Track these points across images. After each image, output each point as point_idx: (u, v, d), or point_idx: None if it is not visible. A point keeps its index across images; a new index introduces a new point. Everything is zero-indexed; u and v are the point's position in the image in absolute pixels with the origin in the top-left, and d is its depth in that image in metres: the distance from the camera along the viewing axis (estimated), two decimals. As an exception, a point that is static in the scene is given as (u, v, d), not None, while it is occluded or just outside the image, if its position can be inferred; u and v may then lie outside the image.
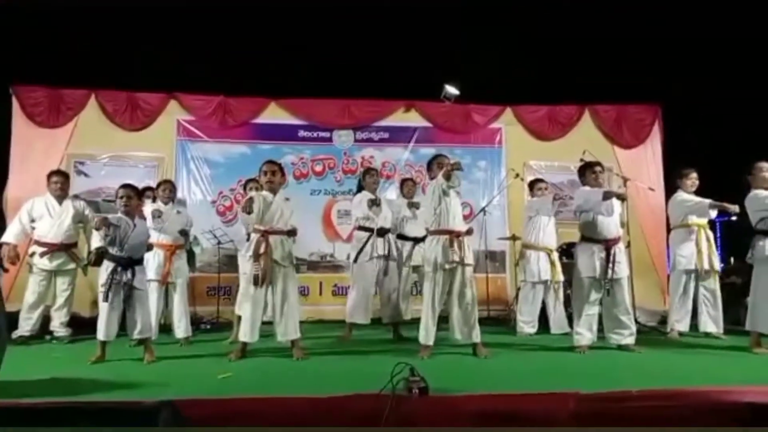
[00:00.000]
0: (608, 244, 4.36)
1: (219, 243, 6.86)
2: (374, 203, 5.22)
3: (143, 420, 1.75)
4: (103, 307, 4.04)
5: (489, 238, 7.04)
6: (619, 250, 4.40)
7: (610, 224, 4.41)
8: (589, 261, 4.37)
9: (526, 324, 5.52)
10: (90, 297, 6.72)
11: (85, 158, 7.07)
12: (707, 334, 5.16)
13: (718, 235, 9.03)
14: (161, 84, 7.26)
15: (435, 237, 4.25)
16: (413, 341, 4.70)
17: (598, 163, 4.65)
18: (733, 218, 5.10)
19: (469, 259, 4.22)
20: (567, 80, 7.60)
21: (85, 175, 7.06)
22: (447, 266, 4.15)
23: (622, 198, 4.33)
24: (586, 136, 7.43)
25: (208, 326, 6.29)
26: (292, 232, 4.26)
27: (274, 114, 7.47)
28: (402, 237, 5.55)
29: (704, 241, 5.18)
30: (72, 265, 5.54)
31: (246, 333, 4.15)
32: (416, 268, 5.51)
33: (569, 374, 3.63)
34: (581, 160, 6.24)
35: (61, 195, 5.57)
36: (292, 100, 7.46)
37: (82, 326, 6.12)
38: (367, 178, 5.41)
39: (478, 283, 6.96)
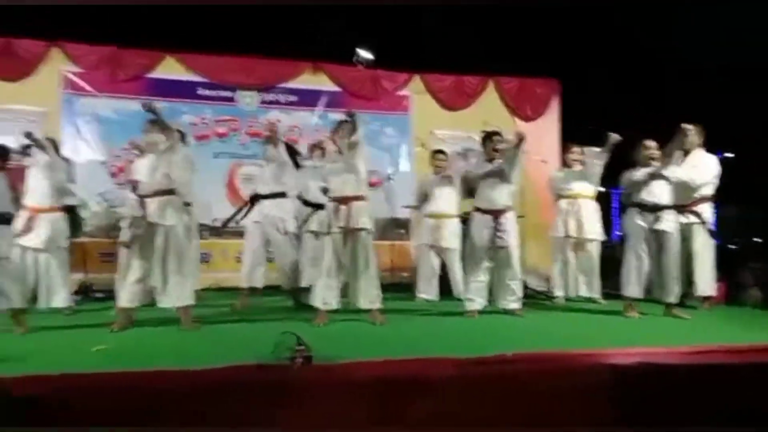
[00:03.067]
0: (497, 215, 4.51)
1: (112, 206, 6.46)
2: None
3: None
4: None
5: (395, 206, 7.10)
6: (507, 220, 4.56)
7: (500, 196, 4.56)
8: (479, 230, 4.52)
9: (423, 290, 5.66)
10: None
11: (-43, 109, 6.35)
12: (588, 299, 5.54)
13: (615, 205, 9.64)
14: (45, 31, 6.59)
15: (330, 202, 4.27)
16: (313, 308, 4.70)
17: (498, 133, 4.76)
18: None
19: (362, 224, 4.20)
20: (474, 50, 7.68)
21: (-41, 128, 6.34)
22: (334, 231, 4.16)
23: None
24: (489, 108, 7.62)
25: (100, 294, 5.92)
26: (165, 192, 3.97)
27: (171, 69, 7.02)
28: (305, 203, 5.47)
29: (583, 211, 5.50)
30: None
31: (125, 299, 3.91)
32: (318, 235, 5.47)
33: (456, 339, 3.75)
34: (483, 131, 6.43)
35: None
36: (190, 55, 7.03)
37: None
38: None
39: (384, 250, 7.11)
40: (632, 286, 4.59)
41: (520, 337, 3.82)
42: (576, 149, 5.63)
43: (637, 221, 4.59)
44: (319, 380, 2.59)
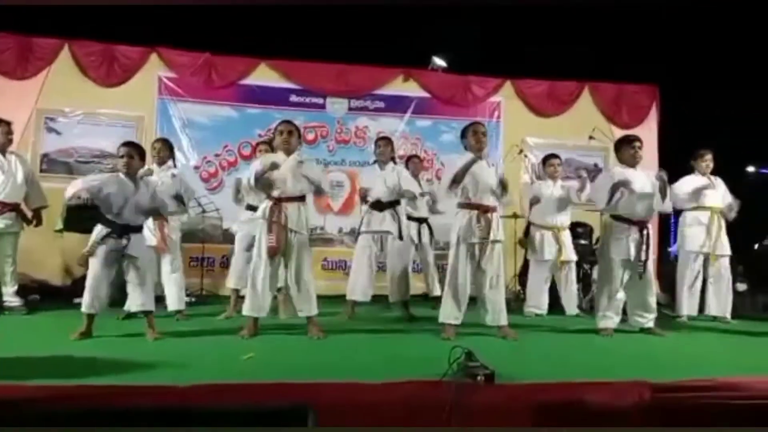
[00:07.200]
0: (642, 225, 4.18)
1: (204, 212, 6.44)
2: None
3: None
4: (91, 276, 3.64)
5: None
6: (650, 231, 4.25)
7: (649, 205, 4.21)
8: (622, 242, 4.17)
9: (534, 305, 5.35)
10: (60, 263, 6.23)
11: (56, 114, 6.47)
12: (714, 318, 5.16)
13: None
14: (142, 37, 6.67)
15: (462, 211, 4.00)
16: (426, 320, 4.52)
17: (638, 138, 4.36)
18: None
19: (499, 235, 3.98)
20: (568, 56, 7.43)
21: (57, 132, 6.47)
22: (473, 241, 3.92)
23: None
24: (584, 114, 7.32)
25: (193, 299, 5.91)
26: (301, 198, 3.91)
27: (264, 76, 6.98)
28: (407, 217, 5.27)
29: (715, 224, 5.14)
30: (17, 228, 4.91)
31: (257, 307, 3.81)
32: (417, 246, 5.41)
33: (615, 360, 3.44)
34: (590, 137, 6.17)
35: (5, 145, 4.86)
36: (284, 62, 6.97)
37: (52, 295, 5.65)
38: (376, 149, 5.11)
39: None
40: None
41: (674, 360, 3.51)
42: (708, 156, 5.24)
43: None
44: (508, 401, 2.38)
